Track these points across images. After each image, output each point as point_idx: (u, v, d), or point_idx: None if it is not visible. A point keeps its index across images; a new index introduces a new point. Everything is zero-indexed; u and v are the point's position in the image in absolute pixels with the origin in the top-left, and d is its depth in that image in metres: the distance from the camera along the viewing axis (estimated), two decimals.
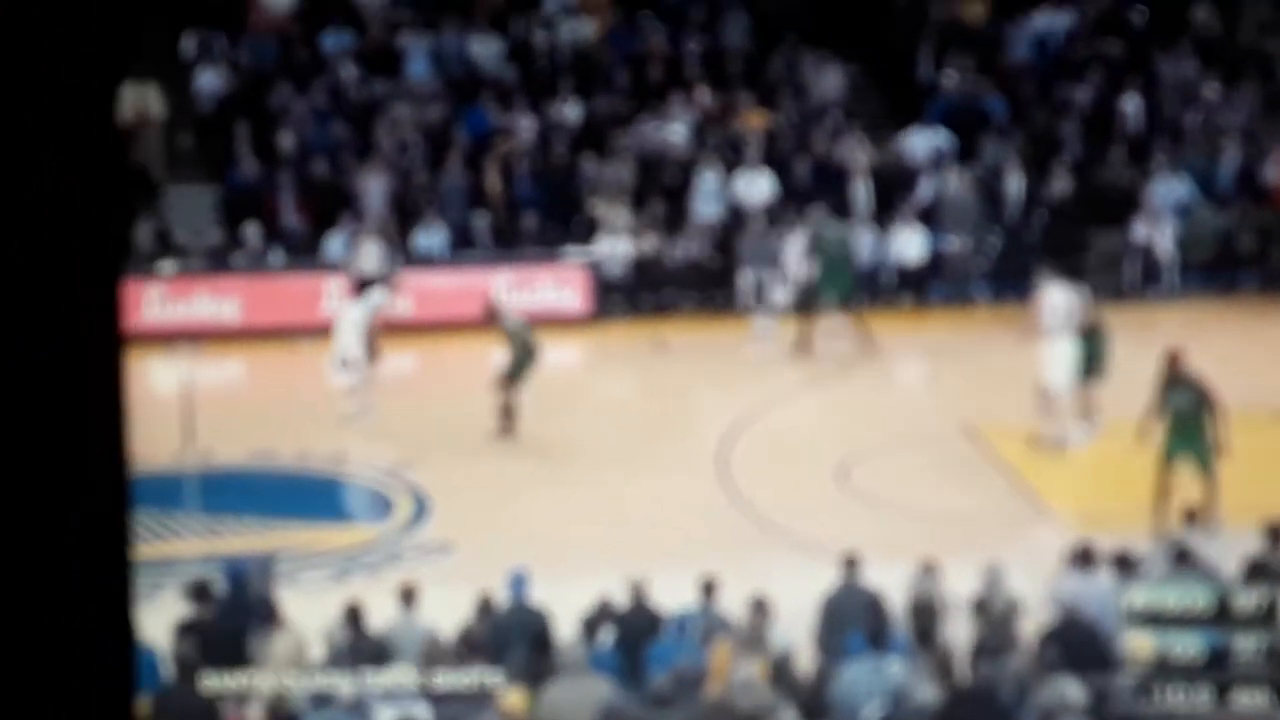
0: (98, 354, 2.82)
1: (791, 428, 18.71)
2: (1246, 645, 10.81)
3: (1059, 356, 17.59)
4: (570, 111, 23.82)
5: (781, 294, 21.53)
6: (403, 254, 21.84)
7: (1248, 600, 10.90)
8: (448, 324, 21.18)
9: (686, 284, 22.41)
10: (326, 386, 18.86)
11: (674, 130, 23.59)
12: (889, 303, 22.43)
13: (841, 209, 22.44)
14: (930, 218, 22.80)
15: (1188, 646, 10.83)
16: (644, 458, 17.80)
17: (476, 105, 23.81)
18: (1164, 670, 10.71)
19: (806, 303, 20.48)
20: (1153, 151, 23.48)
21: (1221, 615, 10.85)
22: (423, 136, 23.41)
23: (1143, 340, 22.26)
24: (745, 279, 22.11)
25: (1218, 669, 10.76)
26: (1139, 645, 10.91)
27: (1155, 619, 10.86)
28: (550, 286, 22.04)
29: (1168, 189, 23.07)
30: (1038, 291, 18.25)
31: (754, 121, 23.71)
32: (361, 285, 20.07)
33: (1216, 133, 23.92)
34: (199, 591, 12.38)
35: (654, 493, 17.04)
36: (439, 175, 23.02)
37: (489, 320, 18.28)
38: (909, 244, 22.61)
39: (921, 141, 23.63)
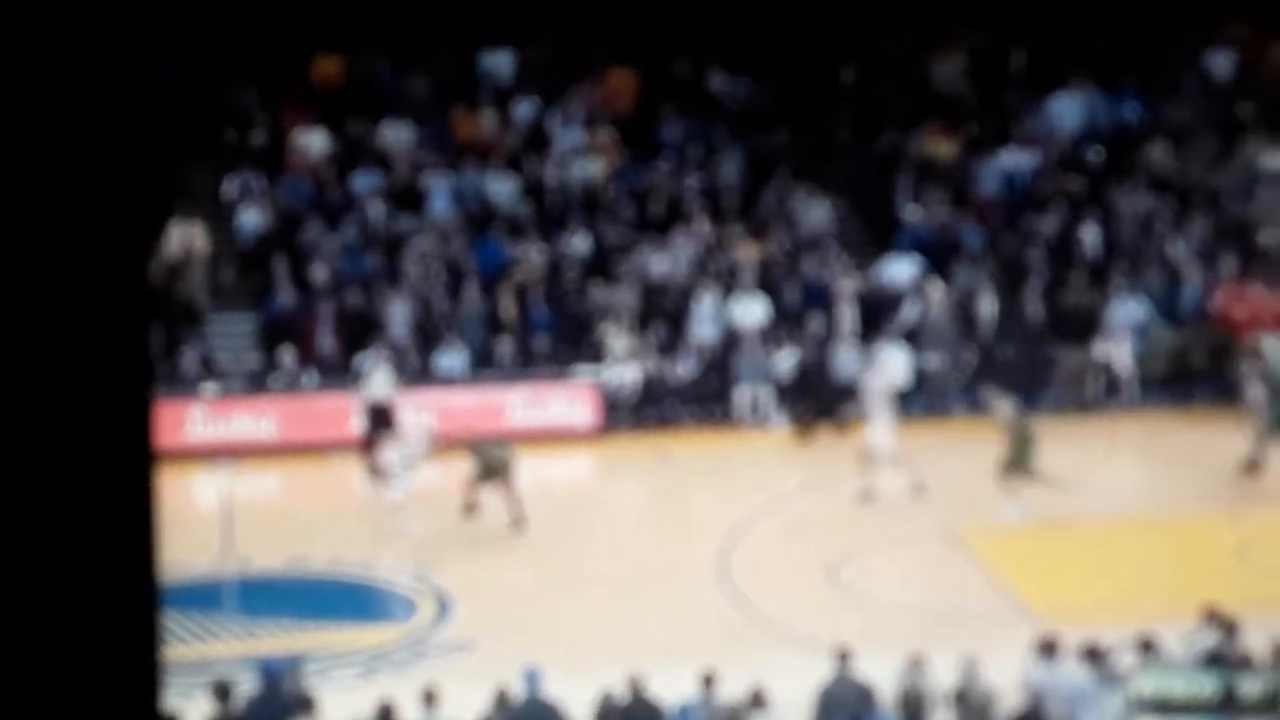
0: (133, 468, 2.77)
1: (786, 532, 18.57)
2: None
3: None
4: (579, 243, 23.90)
5: (774, 409, 21.54)
6: (427, 374, 21.84)
7: (1253, 687, 10.66)
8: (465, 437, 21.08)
9: (687, 400, 22.37)
10: (356, 497, 18.77)
11: (675, 259, 23.64)
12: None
13: (829, 331, 22.55)
14: (911, 338, 22.80)
15: None
16: (649, 561, 17.67)
17: (493, 238, 23.89)
18: None
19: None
20: (1111, 276, 23.51)
21: (1228, 702, 10.53)
22: (444, 267, 23.47)
23: (1105, 447, 22.33)
24: (741, 395, 22.12)
25: None
26: None
27: (1164, 706, 10.55)
28: (562, 403, 22.00)
29: (1126, 310, 23.08)
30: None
31: (748, 251, 23.77)
32: (374, 410, 20.00)
33: (1170, 260, 23.96)
34: (221, 691, 12.30)
35: (659, 594, 16.90)
36: (459, 302, 23.06)
37: (470, 447, 18.38)
38: (893, 362, 22.56)
39: (901, 269, 23.67)
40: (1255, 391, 20.32)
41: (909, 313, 23.03)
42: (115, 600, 2.66)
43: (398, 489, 18.15)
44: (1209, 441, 21.59)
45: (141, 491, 2.73)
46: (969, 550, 17.73)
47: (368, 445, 19.76)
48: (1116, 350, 22.74)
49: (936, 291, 23.09)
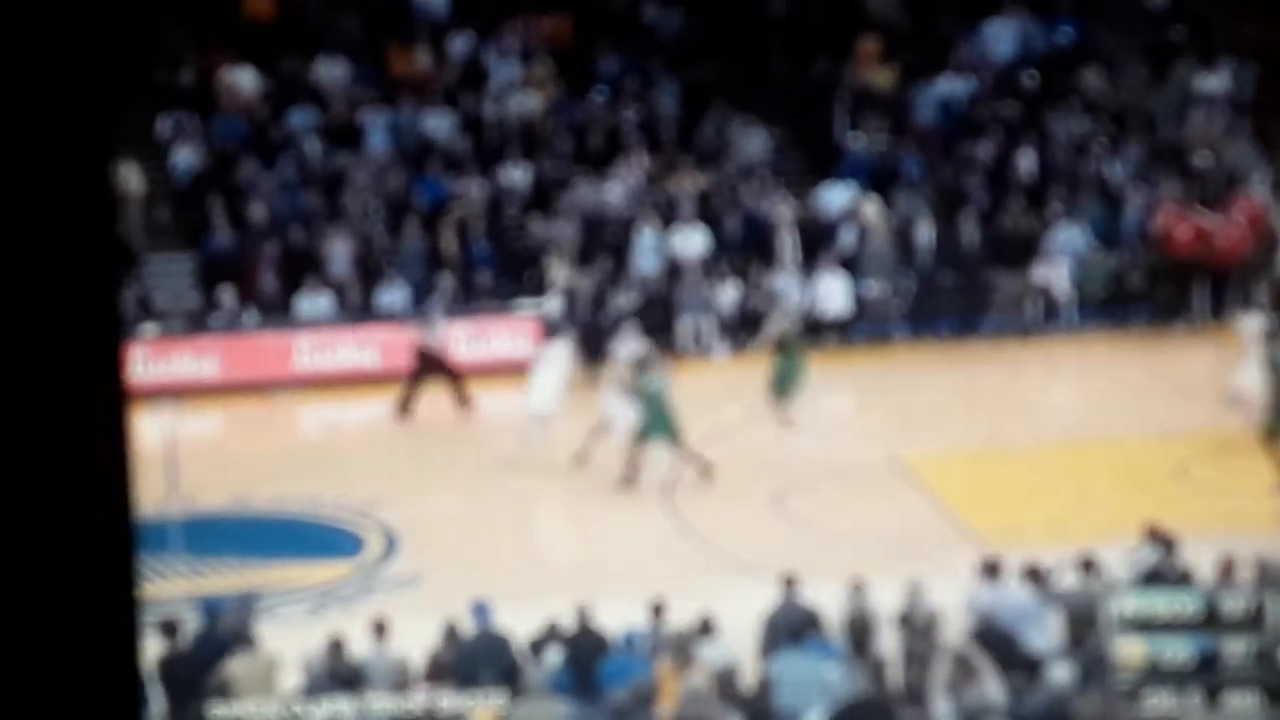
0: (105, 406, 2.80)
1: (731, 461, 18.63)
2: (1235, 649, 10.52)
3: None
4: (519, 177, 23.80)
5: (717, 339, 21.60)
6: (369, 311, 21.76)
7: (1235, 605, 10.64)
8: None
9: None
10: (300, 435, 18.71)
11: (614, 192, 23.60)
12: (817, 344, 22.44)
13: (769, 259, 22.60)
14: (851, 266, 22.87)
15: (1178, 651, 10.51)
16: (594, 491, 17.71)
17: (431, 174, 23.76)
18: (1155, 675, 10.41)
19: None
20: (1049, 201, 23.61)
21: (1210, 620, 10.58)
22: (383, 203, 23.33)
23: (1044, 371, 22.53)
24: (684, 326, 22.18)
25: (1208, 672, 10.44)
26: (1130, 651, 10.61)
27: (1145, 625, 10.56)
28: (505, 337, 21.97)
29: (1065, 235, 23.20)
30: None
31: (688, 182, 23.75)
32: (425, 354, 19.83)
33: (1108, 184, 24.10)
34: (168, 628, 12.32)
35: (604, 523, 16.97)
36: (399, 238, 22.94)
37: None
38: (833, 290, 22.65)
39: (839, 197, 23.70)
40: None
41: (845, 238, 23.10)
42: (93, 541, 2.67)
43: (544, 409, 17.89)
44: (1147, 363, 21.85)
45: (117, 430, 2.75)
46: (912, 475, 17.85)
47: (414, 383, 19.71)
48: (1054, 274, 22.87)
49: (872, 214, 23.15)
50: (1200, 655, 10.63)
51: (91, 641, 2.77)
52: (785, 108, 25.13)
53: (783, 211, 23.17)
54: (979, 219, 23.53)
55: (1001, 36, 25.65)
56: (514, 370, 20.91)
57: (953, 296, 22.88)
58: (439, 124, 24.52)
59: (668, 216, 23.17)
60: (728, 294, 22.46)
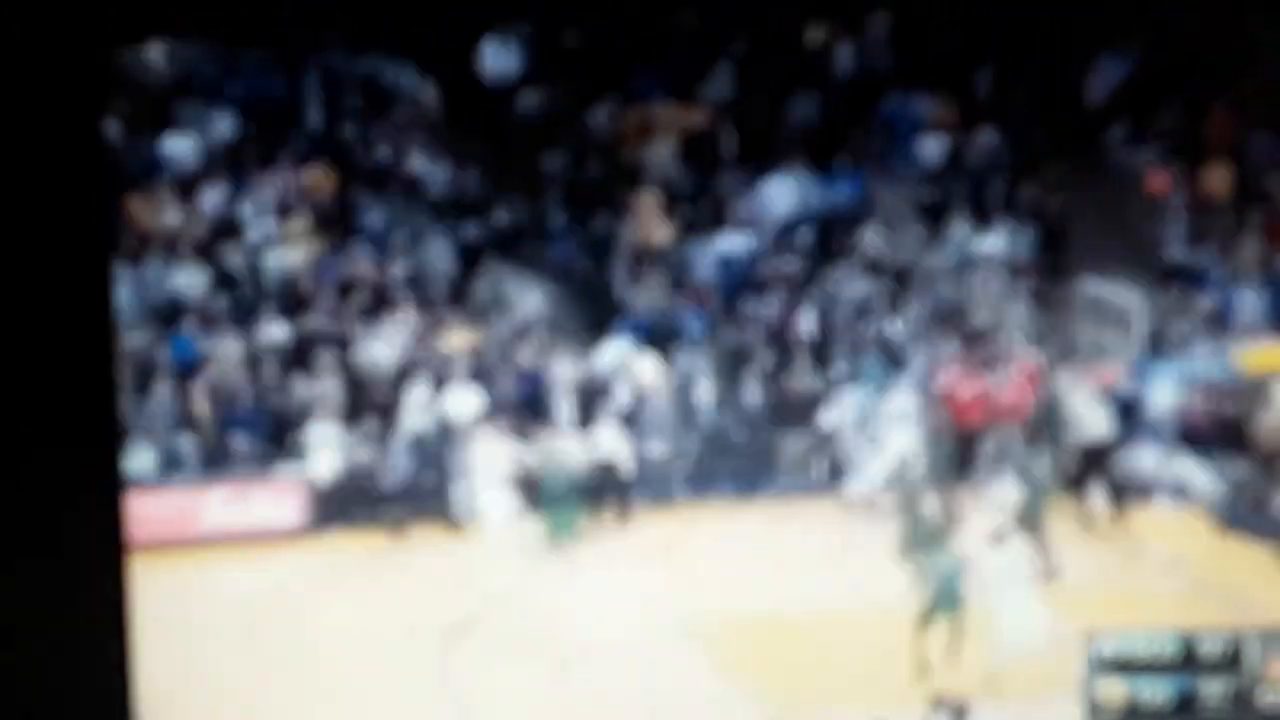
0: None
1: (509, 628, 18.22)
2: (1213, 690, 11.03)
3: None
4: (279, 334, 23.22)
5: (494, 502, 21.24)
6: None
7: (1213, 647, 11.09)
8: (160, 543, 20.17)
9: (399, 496, 21.84)
10: None
11: (381, 349, 23.19)
12: (597, 506, 22.19)
13: (546, 419, 22.35)
14: (631, 425, 22.73)
15: (1157, 692, 10.95)
16: (366, 665, 17.13)
17: (184, 332, 23.05)
18: (1134, 714, 10.60)
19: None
20: (831, 360, 23.79)
21: (1188, 661, 11.08)
22: (128, 364, 22.51)
23: (832, 534, 22.49)
24: (457, 489, 21.70)
25: (1187, 712, 10.57)
26: (1110, 692, 11.08)
27: (1125, 666, 11.11)
28: (266, 502, 21.23)
29: (848, 394, 23.35)
30: None
31: (460, 339, 23.43)
32: None
33: (890, 343, 24.39)
34: None
35: (376, 700, 16.40)
36: (144, 401, 22.15)
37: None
38: (612, 451, 22.44)
39: (618, 354, 23.58)
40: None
41: (624, 397, 23.00)
42: None
43: None
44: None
45: None
46: (696, 641, 17.68)
47: None
48: (840, 435, 22.96)
49: (652, 373, 23.12)
50: (1179, 695, 11.20)
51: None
52: (562, 263, 25.03)
53: (560, 370, 22.98)
54: (762, 378, 23.61)
55: (780, 193, 26.00)
56: (274, 538, 20.27)
57: (736, 457, 22.82)
58: (190, 280, 23.86)
59: (439, 375, 22.80)
60: (503, 454, 22.10)
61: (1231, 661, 10.98)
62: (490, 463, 21.94)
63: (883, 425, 22.96)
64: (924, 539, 18.89)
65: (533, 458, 21.83)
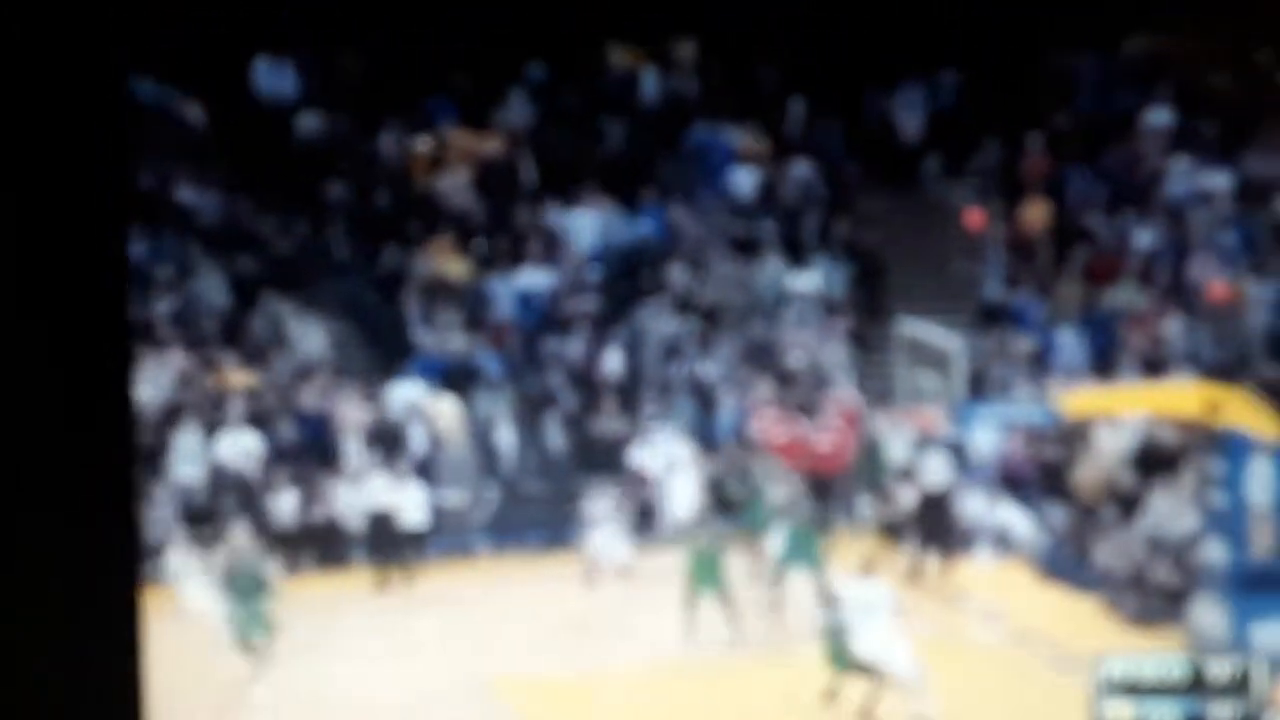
0: None
1: (293, 694, 16.59)
2: (1221, 713, 11.13)
3: None
4: None
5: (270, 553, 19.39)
6: None
7: (1221, 670, 11.17)
8: None
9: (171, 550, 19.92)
10: None
11: (145, 390, 21.26)
12: (394, 559, 20.55)
13: (332, 465, 20.64)
14: (426, 472, 21.14)
15: (1165, 714, 11.12)
16: None
17: None
18: None
19: None
20: (640, 403, 22.54)
21: (1197, 684, 11.16)
22: None
23: (642, 586, 21.19)
24: (234, 535, 19.81)
25: None
26: (1119, 714, 11.14)
27: (1133, 688, 11.04)
28: None
29: (658, 437, 22.09)
30: None
31: (234, 380, 21.59)
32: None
33: (701, 384, 23.23)
34: None
35: None
36: None
37: None
38: (406, 500, 20.80)
39: (410, 396, 21.98)
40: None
41: (418, 442, 21.42)
42: None
43: None
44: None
45: None
46: (499, 701, 16.61)
47: None
48: (650, 481, 21.73)
49: (448, 416, 21.62)
50: (1188, 718, 11.27)
51: None
52: (348, 300, 23.37)
53: (346, 413, 21.29)
54: (565, 422, 22.21)
55: (582, 225, 24.69)
56: None
57: (540, 505, 21.42)
58: None
59: (211, 419, 20.92)
60: (284, 504, 20.32)
61: (1240, 685, 11.04)
62: (266, 514, 20.19)
63: (672, 474, 21.84)
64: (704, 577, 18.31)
65: (320, 513, 20.16)
